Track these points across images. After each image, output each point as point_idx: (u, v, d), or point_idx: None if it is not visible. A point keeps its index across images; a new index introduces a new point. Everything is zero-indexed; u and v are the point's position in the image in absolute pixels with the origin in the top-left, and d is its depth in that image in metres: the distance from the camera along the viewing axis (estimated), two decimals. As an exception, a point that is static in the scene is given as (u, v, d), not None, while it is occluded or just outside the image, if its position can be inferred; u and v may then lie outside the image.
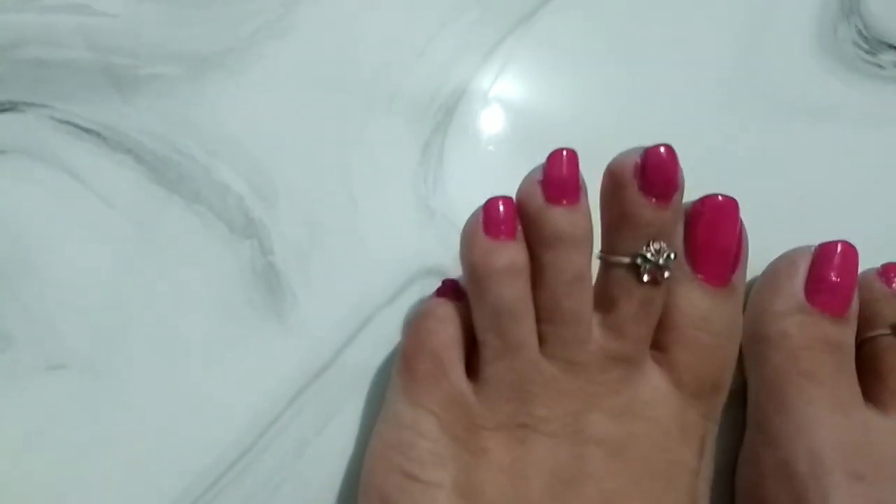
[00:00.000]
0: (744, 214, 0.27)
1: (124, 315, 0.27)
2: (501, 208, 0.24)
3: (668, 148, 0.23)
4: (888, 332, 0.26)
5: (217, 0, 0.30)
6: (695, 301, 0.25)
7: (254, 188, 0.29)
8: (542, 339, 0.24)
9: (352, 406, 0.27)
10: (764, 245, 0.27)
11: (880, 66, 0.35)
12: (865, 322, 0.27)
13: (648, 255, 0.23)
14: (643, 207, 0.23)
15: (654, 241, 0.23)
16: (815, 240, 0.27)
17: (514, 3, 0.32)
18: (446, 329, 0.25)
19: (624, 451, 0.24)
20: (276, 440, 0.27)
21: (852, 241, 0.28)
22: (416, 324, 0.25)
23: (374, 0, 0.31)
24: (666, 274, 0.24)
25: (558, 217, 0.23)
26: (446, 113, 0.31)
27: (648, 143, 0.23)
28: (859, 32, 0.35)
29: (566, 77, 0.32)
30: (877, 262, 0.28)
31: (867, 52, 0.35)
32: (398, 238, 0.29)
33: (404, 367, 0.25)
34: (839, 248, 0.26)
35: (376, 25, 0.31)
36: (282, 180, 0.29)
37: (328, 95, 0.30)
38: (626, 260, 0.24)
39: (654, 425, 0.25)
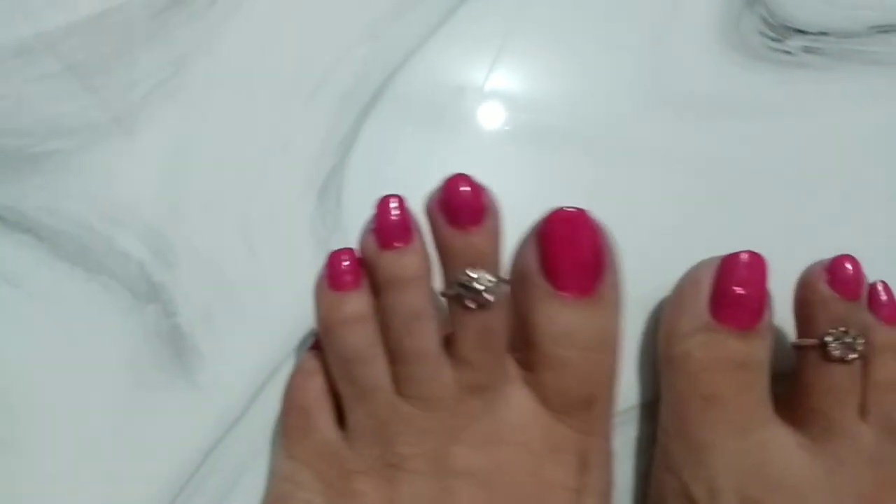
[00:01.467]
0: (666, 218, 0.27)
1: (37, 392, 0.28)
2: (343, 261, 0.25)
3: (462, 176, 0.24)
4: (814, 344, 0.25)
5: (104, 69, 0.30)
6: (554, 317, 0.24)
7: (154, 252, 0.29)
8: (395, 380, 0.24)
9: (264, 458, 0.28)
10: (687, 250, 0.27)
11: (789, 53, 0.34)
12: (802, 324, 0.26)
13: (467, 283, 0.23)
14: (452, 238, 0.24)
15: (472, 269, 0.23)
16: (739, 244, 0.26)
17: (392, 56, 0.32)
18: (313, 382, 0.26)
19: (491, 480, 0.24)
20: (193, 499, 0.27)
21: (780, 241, 0.28)
22: (288, 380, 0.26)
23: (264, 56, 0.31)
24: (491, 297, 0.23)
25: (388, 261, 0.24)
26: (342, 154, 0.31)
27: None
28: (764, 20, 0.34)
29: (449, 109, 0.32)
30: (809, 259, 0.26)
31: (774, 39, 0.34)
32: (300, 285, 0.29)
33: (280, 422, 0.26)
34: (743, 259, 0.25)
35: (267, 79, 0.31)
36: (181, 241, 0.29)
37: (222, 150, 0.30)
38: (451, 291, 0.24)
39: (522, 449, 0.24)
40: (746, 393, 0.25)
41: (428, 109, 0.31)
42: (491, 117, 0.31)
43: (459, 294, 0.24)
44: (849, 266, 0.25)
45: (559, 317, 0.24)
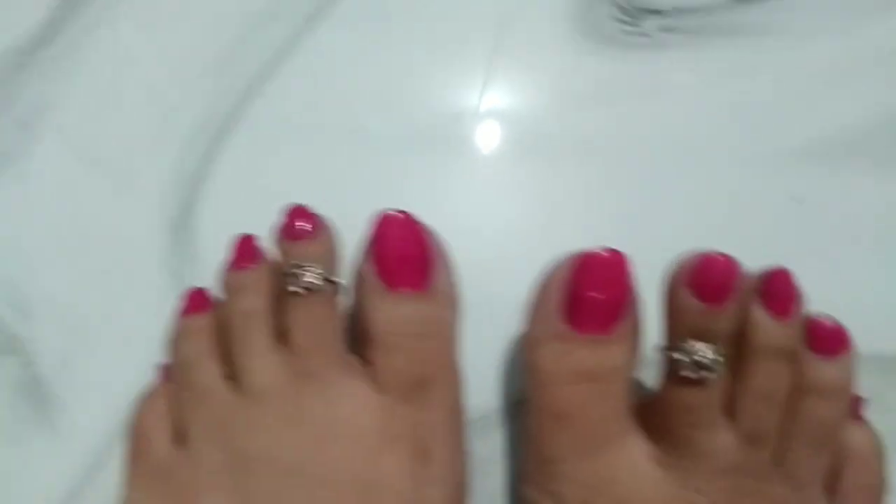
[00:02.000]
0: (541, 215, 0.27)
1: None
2: (196, 294, 0.28)
3: (297, 209, 0.27)
4: (665, 358, 0.23)
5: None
6: (387, 309, 0.25)
7: (10, 305, 0.29)
8: (231, 379, 0.25)
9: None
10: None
11: (646, 35, 0.34)
12: (667, 328, 0.24)
13: (294, 272, 0.25)
14: (283, 244, 0.26)
15: (296, 262, 0.26)
16: (611, 236, 0.25)
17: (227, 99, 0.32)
18: (150, 405, 0.26)
19: (323, 476, 0.24)
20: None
21: (657, 230, 0.28)
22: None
23: (111, 98, 0.32)
24: (315, 281, 0.25)
25: (233, 276, 0.27)
26: (194, 187, 0.31)
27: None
28: (617, 5, 0.34)
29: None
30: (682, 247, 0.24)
31: (628, 23, 0.34)
32: (158, 321, 0.29)
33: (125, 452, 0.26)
34: (598, 258, 0.23)
35: (114, 119, 0.32)
36: (37, 291, 0.30)
37: (73, 193, 0.31)
38: (282, 278, 0.26)
39: (358, 441, 0.24)
40: (598, 407, 0.24)
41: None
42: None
43: (289, 279, 0.25)
44: (715, 268, 0.22)
45: (391, 309, 0.25)
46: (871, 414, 0.30)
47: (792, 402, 0.23)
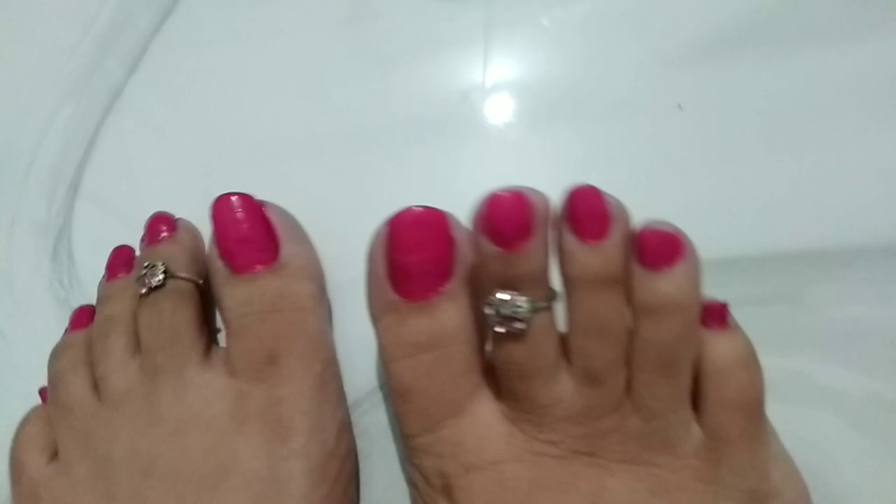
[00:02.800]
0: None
1: None
2: (79, 311, 0.28)
3: (159, 215, 0.28)
4: (491, 311, 0.21)
5: None
6: (233, 292, 0.25)
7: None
8: (95, 390, 0.26)
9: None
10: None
11: None
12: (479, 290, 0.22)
13: (145, 272, 0.26)
14: (146, 251, 0.27)
15: (145, 264, 0.26)
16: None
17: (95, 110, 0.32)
18: (23, 429, 0.27)
19: (174, 469, 0.24)
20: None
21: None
22: None
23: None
24: (158, 279, 0.25)
25: (102, 287, 0.28)
26: (66, 214, 0.31)
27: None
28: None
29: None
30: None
31: None
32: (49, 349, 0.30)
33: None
34: (405, 219, 0.22)
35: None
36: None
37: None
38: (135, 277, 0.26)
39: (208, 429, 0.24)
40: (437, 377, 0.23)
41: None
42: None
43: (137, 282, 0.26)
44: (501, 208, 0.20)
45: (236, 291, 0.25)
46: (784, 314, 0.28)
47: (631, 327, 0.21)
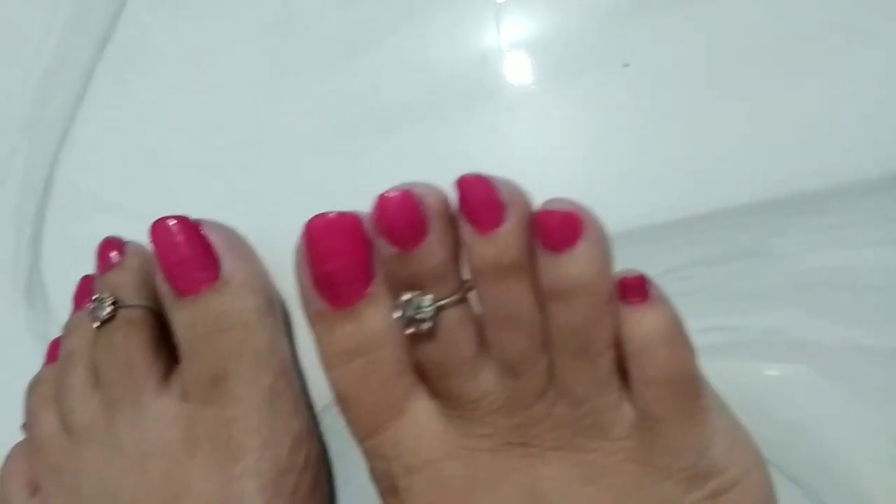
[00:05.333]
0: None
1: None
2: (52, 346, 0.29)
3: (109, 240, 0.28)
4: (398, 313, 0.21)
5: None
6: (179, 317, 0.25)
7: None
8: (62, 424, 0.26)
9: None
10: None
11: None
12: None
13: (96, 301, 0.26)
14: (99, 279, 0.27)
15: (95, 296, 0.26)
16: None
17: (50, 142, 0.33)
18: (6, 467, 0.27)
19: (133, 500, 0.24)
20: None
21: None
22: None
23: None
24: (104, 312, 0.25)
25: (67, 322, 0.28)
26: (35, 250, 0.32)
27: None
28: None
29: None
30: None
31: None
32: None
33: None
34: (314, 228, 0.22)
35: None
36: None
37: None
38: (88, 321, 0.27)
39: (162, 457, 0.24)
40: (369, 383, 0.23)
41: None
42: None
43: (90, 314, 0.26)
44: (389, 209, 0.20)
45: (181, 315, 0.25)
46: (751, 269, 0.27)
47: (544, 314, 0.21)
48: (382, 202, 0.20)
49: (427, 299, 0.20)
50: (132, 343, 0.26)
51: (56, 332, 0.31)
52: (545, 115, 0.29)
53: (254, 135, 0.31)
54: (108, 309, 0.25)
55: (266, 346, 0.25)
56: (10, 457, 0.28)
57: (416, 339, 0.21)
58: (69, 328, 0.28)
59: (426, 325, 0.21)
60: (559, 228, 0.20)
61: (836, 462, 0.26)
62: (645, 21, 0.29)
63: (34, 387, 0.28)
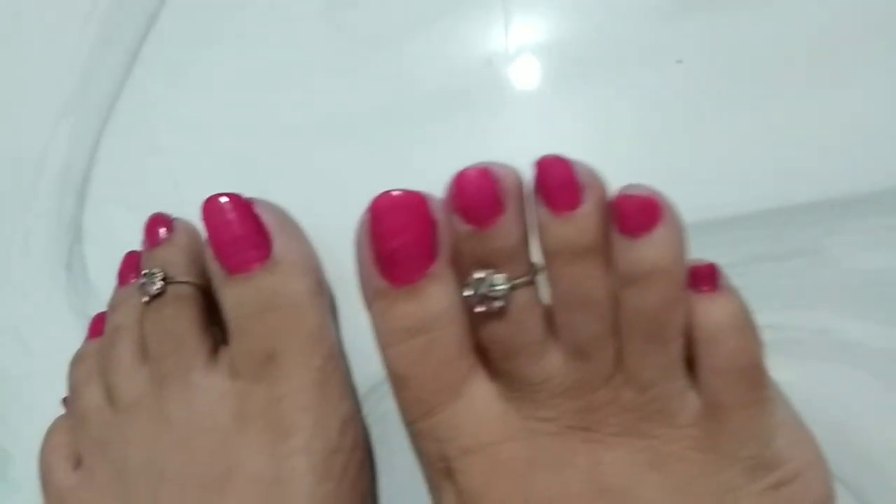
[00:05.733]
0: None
1: None
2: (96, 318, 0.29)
3: (157, 216, 0.27)
4: (469, 291, 0.21)
5: None
6: (230, 294, 0.25)
7: (-56, 378, 0.31)
8: (107, 399, 0.26)
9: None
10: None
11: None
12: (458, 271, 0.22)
13: (146, 277, 0.26)
14: (146, 255, 0.27)
15: (145, 271, 0.26)
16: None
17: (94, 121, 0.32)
18: (48, 440, 0.28)
19: (182, 473, 0.24)
20: None
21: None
22: None
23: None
24: (154, 287, 0.25)
25: (112, 296, 0.28)
26: (75, 231, 0.32)
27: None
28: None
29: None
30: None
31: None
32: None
33: None
34: (382, 204, 0.22)
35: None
36: (-37, 359, 0.31)
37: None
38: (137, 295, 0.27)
39: (213, 432, 0.24)
40: (429, 362, 0.22)
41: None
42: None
43: (140, 289, 0.26)
44: (469, 185, 0.20)
45: (232, 293, 0.25)
46: (803, 268, 0.27)
47: (616, 299, 0.21)
48: (461, 179, 0.20)
49: (500, 278, 0.20)
50: (182, 319, 0.25)
51: (96, 309, 0.31)
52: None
53: (269, 127, 0.31)
54: (159, 284, 0.25)
55: (316, 328, 0.25)
56: (52, 430, 0.28)
57: (484, 318, 0.21)
58: (115, 302, 0.27)
59: (498, 304, 0.20)
60: (638, 213, 0.20)
61: (883, 463, 0.26)
62: (686, 21, 0.28)
63: (78, 361, 0.28)
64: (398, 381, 0.23)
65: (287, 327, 0.25)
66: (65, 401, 0.28)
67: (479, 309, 0.21)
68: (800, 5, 0.28)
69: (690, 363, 0.22)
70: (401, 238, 0.22)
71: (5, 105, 0.33)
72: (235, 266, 0.24)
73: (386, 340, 0.23)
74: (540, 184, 0.20)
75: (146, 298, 0.25)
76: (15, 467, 0.30)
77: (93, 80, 0.32)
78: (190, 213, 0.28)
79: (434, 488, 0.24)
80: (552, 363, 0.22)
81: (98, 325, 0.28)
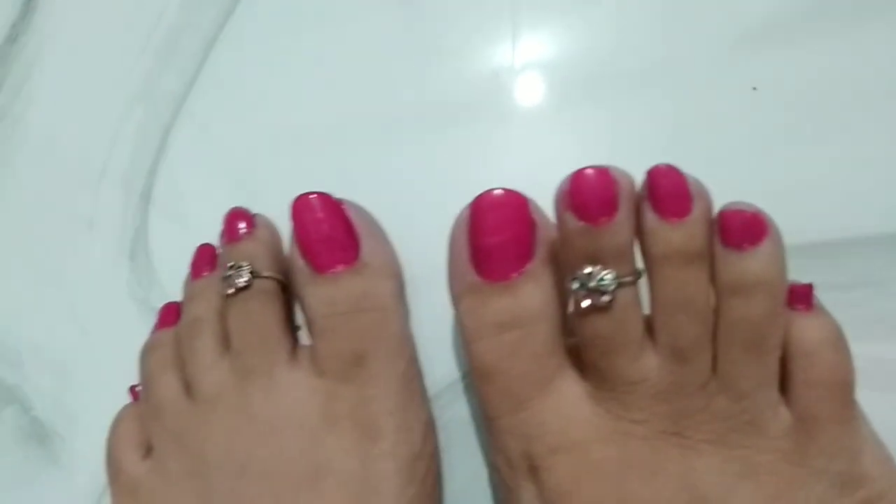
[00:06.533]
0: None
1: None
2: (167, 307, 0.29)
3: (236, 210, 0.27)
4: (577, 284, 0.22)
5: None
6: (317, 292, 0.25)
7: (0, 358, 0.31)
8: (186, 388, 0.26)
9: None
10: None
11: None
12: (563, 266, 0.23)
13: (230, 272, 0.26)
14: (223, 249, 0.27)
15: (230, 264, 0.26)
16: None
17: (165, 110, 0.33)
18: (117, 428, 0.27)
19: (269, 470, 0.24)
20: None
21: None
22: None
23: (51, 142, 0.33)
24: (241, 280, 0.25)
25: (188, 286, 0.28)
26: (141, 217, 0.32)
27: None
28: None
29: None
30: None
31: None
32: (133, 351, 0.30)
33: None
34: (486, 202, 0.23)
35: (58, 163, 0.33)
36: (20, 341, 0.31)
37: (31, 242, 0.32)
38: (220, 288, 0.26)
39: (301, 429, 0.24)
40: (520, 357, 0.23)
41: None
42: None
43: (223, 282, 0.26)
44: (587, 184, 0.21)
45: (319, 291, 0.25)
46: (867, 299, 0.27)
47: (716, 307, 0.22)
48: (579, 177, 0.21)
49: (609, 273, 0.21)
50: (268, 313, 0.25)
51: (158, 297, 0.31)
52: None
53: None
54: (246, 277, 0.25)
55: (400, 332, 0.25)
56: (121, 418, 0.28)
57: (588, 313, 0.21)
58: (193, 293, 0.27)
59: (605, 299, 0.21)
60: (745, 227, 0.21)
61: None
62: (759, 51, 0.29)
63: (151, 350, 0.28)
64: (485, 375, 0.23)
65: (376, 330, 0.25)
66: (132, 389, 0.28)
67: (585, 303, 0.21)
68: (873, 41, 0.29)
69: (780, 379, 0.22)
70: (501, 235, 0.22)
71: (80, 85, 0.33)
72: (323, 265, 0.25)
73: (474, 334, 0.23)
74: (652, 191, 0.21)
75: (231, 290, 0.25)
76: (67, 452, 0.30)
77: (170, 64, 0.33)
78: (257, 207, 0.28)
79: (509, 490, 0.24)
80: (648, 365, 0.22)
81: (168, 315, 0.28)
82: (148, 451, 0.26)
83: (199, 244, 0.29)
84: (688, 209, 0.21)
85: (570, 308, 0.22)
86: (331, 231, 0.25)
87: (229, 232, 0.27)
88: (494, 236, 0.22)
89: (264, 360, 0.25)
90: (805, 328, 0.22)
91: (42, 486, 0.30)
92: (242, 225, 0.27)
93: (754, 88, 0.29)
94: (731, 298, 0.21)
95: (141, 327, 0.30)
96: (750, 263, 0.21)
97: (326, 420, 0.24)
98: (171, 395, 0.26)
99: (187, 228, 0.32)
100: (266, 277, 0.25)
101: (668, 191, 0.21)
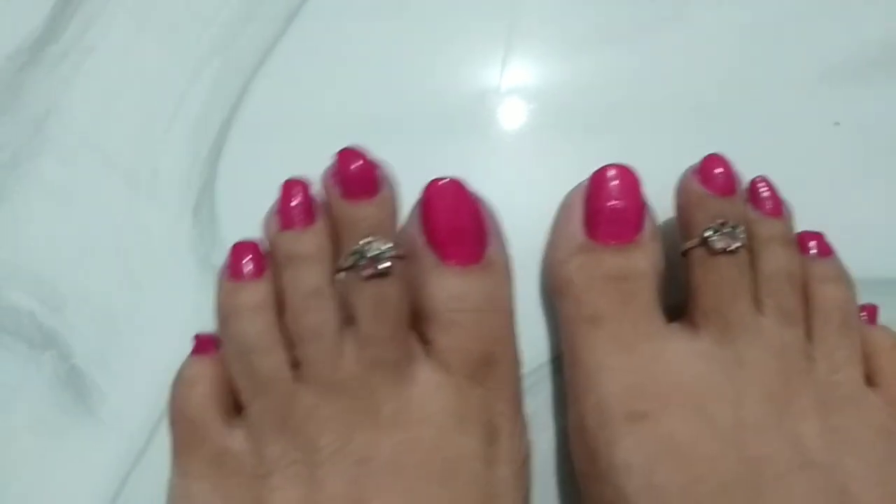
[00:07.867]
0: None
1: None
2: (243, 251, 0.25)
3: (353, 151, 0.24)
4: (696, 243, 0.25)
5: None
6: (445, 284, 0.24)
7: (42, 301, 0.30)
8: (295, 367, 0.24)
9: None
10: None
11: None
12: (685, 230, 0.26)
13: (361, 251, 0.23)
14: (347, 209, 0.24)
15: (366, 240, 0.24)
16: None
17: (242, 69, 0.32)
18: (196, 390, 0.25)
19: (397, 462, 0.23)
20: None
21: None
22: (170, 393, 0.25)
23: (120, 89, 0.32)
24: (386, 264, 0.23)
25: (287, 239, 0.24)
26: (210, 170, 0.31)
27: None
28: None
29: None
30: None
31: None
32: (188, 305, 0.29)
33: (170, 438, 0.25)
34: (612, 172, 0.26)
35: (126, 110, 0.32)
36: (66, 285, 0.30)
37: (91, 192, 0.31)
38: (346, 263, 0.24)
39: (429, 425, 0.23)
40: (629, 306, 0.25)
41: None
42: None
43: (354, 264, 0.23)
44: (718, 163, 0.26)
45: (448, 284, 0.24)
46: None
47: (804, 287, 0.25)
48: (713, 158, 0.26)
49: (741, 228, 0.25)
50: (403, 303, 0.24)
51: (219, 256, 0.30)
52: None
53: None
54: (388, 263, 0.23)
55: (516, 337, 0.26)
56: (200, 377, 0.25)
57: (718, 255, 0.24)
58: (299, 252, 0.24)
59: (736, 245, 0.24)
60: (819, 241, 0.27)
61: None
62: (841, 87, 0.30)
63: (247, 310, 0.24)
64: (596, 320, 0.25)
65: (504, 333, 0.25)
66: (204, 343, 0.26)
67: (720, 244, 0.24)
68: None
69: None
70: (620, 201, 0.25)
71: (152, 41, 0.32)
72: (453, 256, 0.24)
73: (587, 286, 0.25)
74: (754, 193, 0.26)
75: (370, 272, 0.23)
76: (107, 406, 0.29)
77: (248, 28, 0.32)
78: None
79: (591, 452, 0.24)
80: (763, 322, 0.24)
81: (253, 265, 0.24)
82: (234, 421, 0.24)
83: (287, 178, 0.25)
84: (782, 211, 0.26)
85: (702, 252, 0.25)
86: (467, 222, 0.25)
87: (348, 182, 0.24)
88: (616, 202, 0.25)
89: (395, 352, 0.23)
90: (878, 332, 0.26)
91: (73, 440, 0.29)
92: (367, 178, 0.24)
93: (837, 123, 0.30)
94: (826, 284, 0.26)
95: (198, 285, 0.30)
96: (830, 264, 0.27)
97: (456, 418, 0.23)
98: (279, 373, 0.23)
99: (256, 190, 0.30)
100: (402, 257, 0.24)
101: (768, 194, 0.26)
